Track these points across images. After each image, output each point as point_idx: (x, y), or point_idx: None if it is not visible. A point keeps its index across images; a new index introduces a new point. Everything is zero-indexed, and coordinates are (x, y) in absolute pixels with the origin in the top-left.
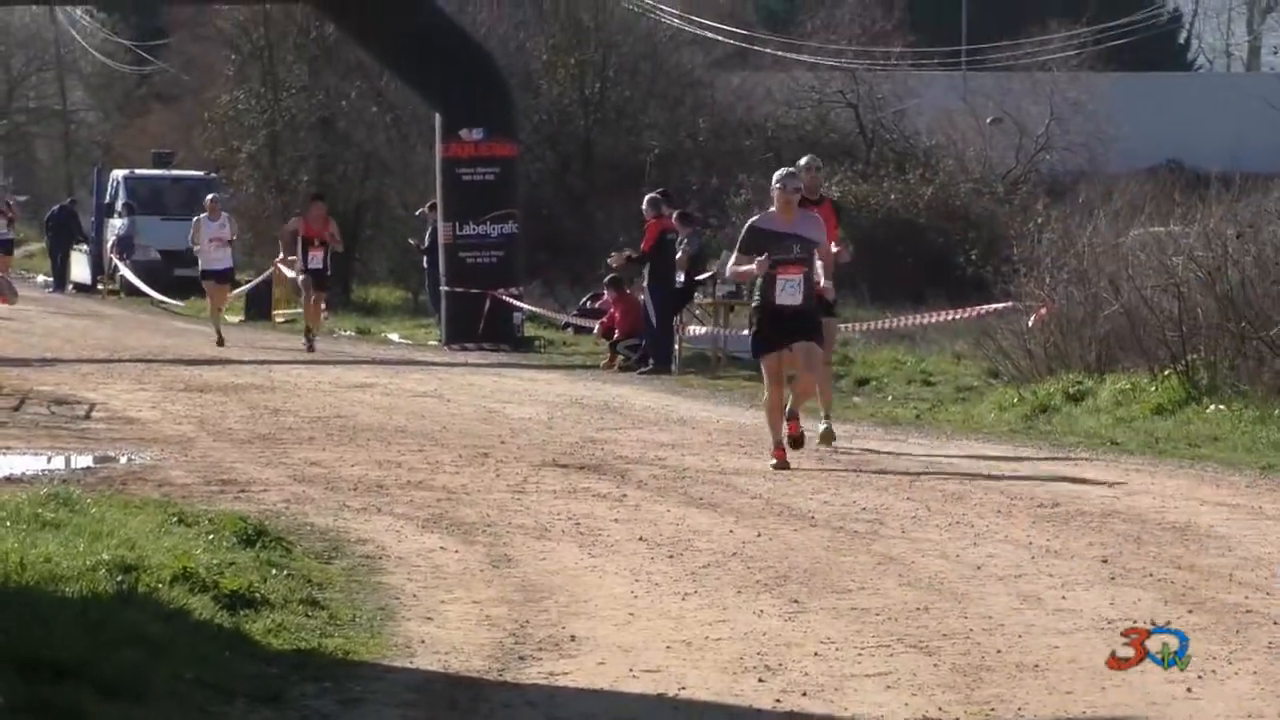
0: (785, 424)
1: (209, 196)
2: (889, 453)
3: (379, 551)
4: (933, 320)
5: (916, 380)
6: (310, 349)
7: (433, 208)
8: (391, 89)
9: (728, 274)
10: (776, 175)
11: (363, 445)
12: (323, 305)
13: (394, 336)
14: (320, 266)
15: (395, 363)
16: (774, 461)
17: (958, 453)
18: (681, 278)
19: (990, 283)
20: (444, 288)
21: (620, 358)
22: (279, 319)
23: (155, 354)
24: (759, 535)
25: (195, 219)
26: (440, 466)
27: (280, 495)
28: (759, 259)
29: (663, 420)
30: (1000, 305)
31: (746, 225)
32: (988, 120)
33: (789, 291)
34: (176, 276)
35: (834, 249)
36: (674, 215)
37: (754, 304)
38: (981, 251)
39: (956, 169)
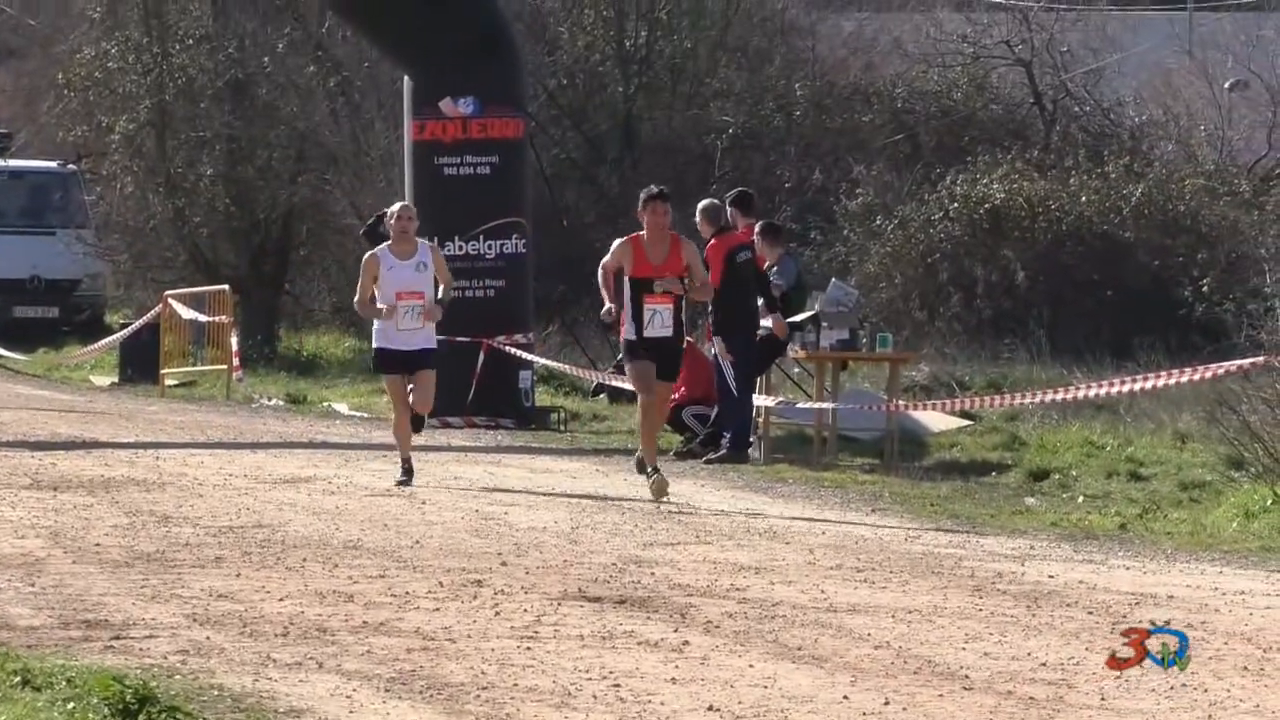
0: None
1: (397, 207)
2: (1080, 580)
3: None
4: (1144, 385)
5: (1120, 473)
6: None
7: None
8: (337, 38)
9: None
10: None
11: (295, 569)
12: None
13: (341, 407)
14: (669, 333)
15: (343, 446)
16: None
17: (1183, 580)
18: (769, 322)
19: (1230, 328)
20: None
21: (680, 437)
22: (169, 381)
23: None
24: (887, 704)
25: (371, 254)
26: (412, 600)
27: (173, 644)
28: None
29: (743, 532)
30: (1246, 361)
31: None
32: (1226, 85)
33: None
34: (15, 318)
35: None
36: (756, 228)
37: None
38: (1217, 280)
39: (1179, 157)
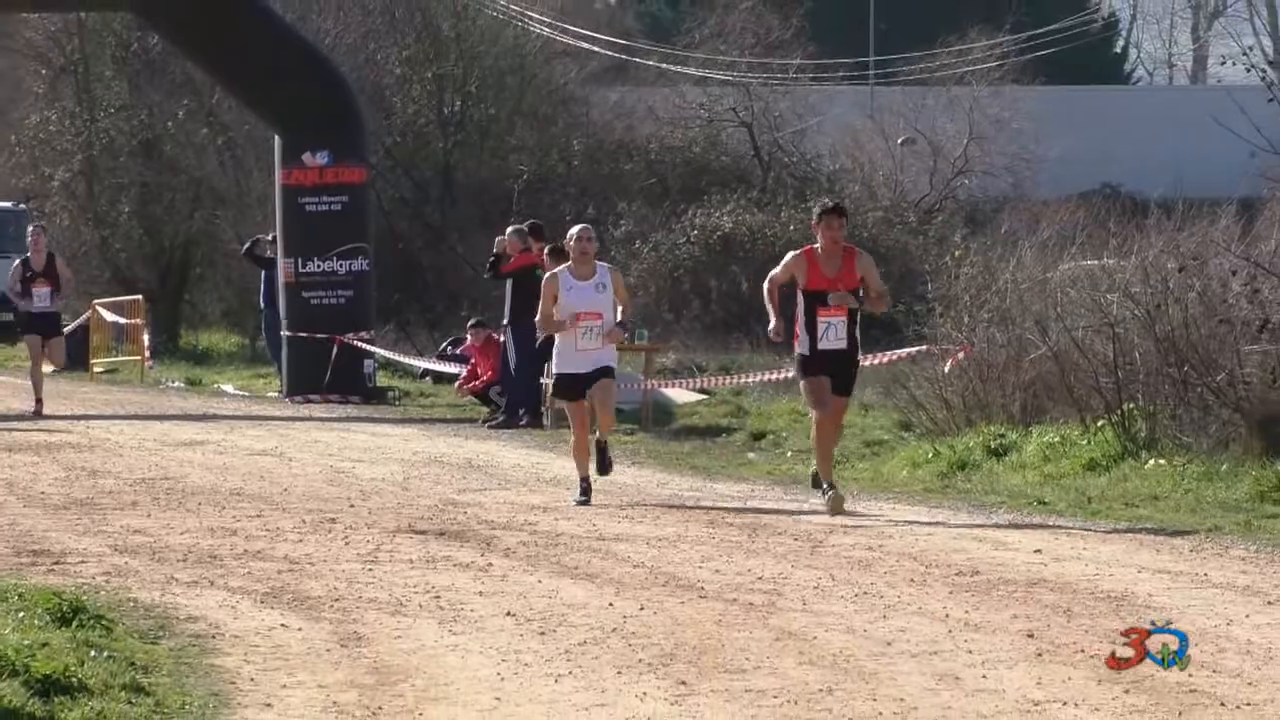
0: None
1: (576, 230)
2: (788, 515)
3: (212, 630)
4: None
5: None
6: None
7: (271, 242)
8: (224, 108)
9: None
10: None
11: (192, 510)
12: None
13: (228, 388)
14: (843, 345)
15: (230, 417)
16: None
17: (865, 515)
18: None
19: (901, 324)
20: (285, 333)
21: (487, 409)
22: (97, 369)
23: None
24: (642, 609)
25: (552, 274)
26: (281, 534)
27: (99, 567)
28: None
29: (533, 480)
30: (913, 349)
31: None
32: (899, 141)
33: None
34: None
35: None
36: (545, 251)
37: None
38: (891, 289)
39: (863, 195)
